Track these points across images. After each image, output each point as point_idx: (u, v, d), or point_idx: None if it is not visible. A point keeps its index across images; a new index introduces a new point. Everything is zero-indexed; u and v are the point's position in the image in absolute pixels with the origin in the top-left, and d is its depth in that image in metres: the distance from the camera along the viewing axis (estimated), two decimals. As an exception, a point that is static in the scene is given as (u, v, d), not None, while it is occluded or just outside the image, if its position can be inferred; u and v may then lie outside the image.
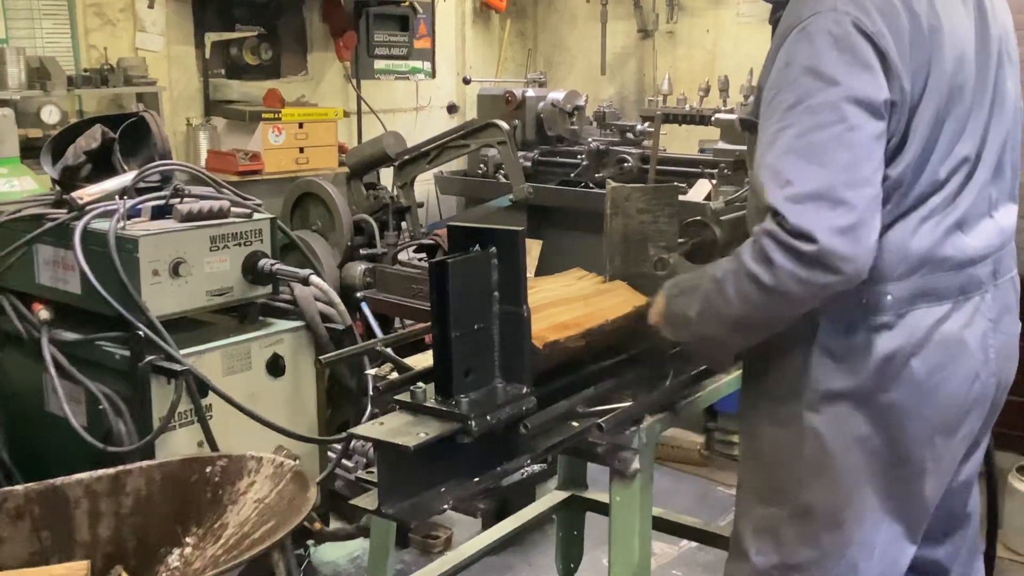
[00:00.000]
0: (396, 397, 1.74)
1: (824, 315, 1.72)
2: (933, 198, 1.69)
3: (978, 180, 1.74)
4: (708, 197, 4.12)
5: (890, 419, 1.71)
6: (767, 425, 1.83)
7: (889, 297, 1.69)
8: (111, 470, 2.11)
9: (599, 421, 1.80)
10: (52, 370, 2.64)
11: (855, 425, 1.72)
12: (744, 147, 4.13)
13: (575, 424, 1.86)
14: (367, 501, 1.74)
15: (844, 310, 1.70)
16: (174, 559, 2.05)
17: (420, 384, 1.71)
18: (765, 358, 1.82)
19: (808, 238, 1.55)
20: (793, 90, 1.61)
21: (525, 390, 1.73)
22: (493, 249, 1.73)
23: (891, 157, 1.64)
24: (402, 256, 3.92)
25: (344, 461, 3.16)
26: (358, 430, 1.73)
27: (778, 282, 1.59)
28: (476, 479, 1.73)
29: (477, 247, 1.73)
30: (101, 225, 2.66)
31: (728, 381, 2.18)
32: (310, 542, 3.16)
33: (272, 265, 2.85)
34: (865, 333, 1.70)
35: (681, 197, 2.27)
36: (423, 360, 2.04)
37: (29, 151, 3.82)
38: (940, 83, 1.66)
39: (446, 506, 1.67)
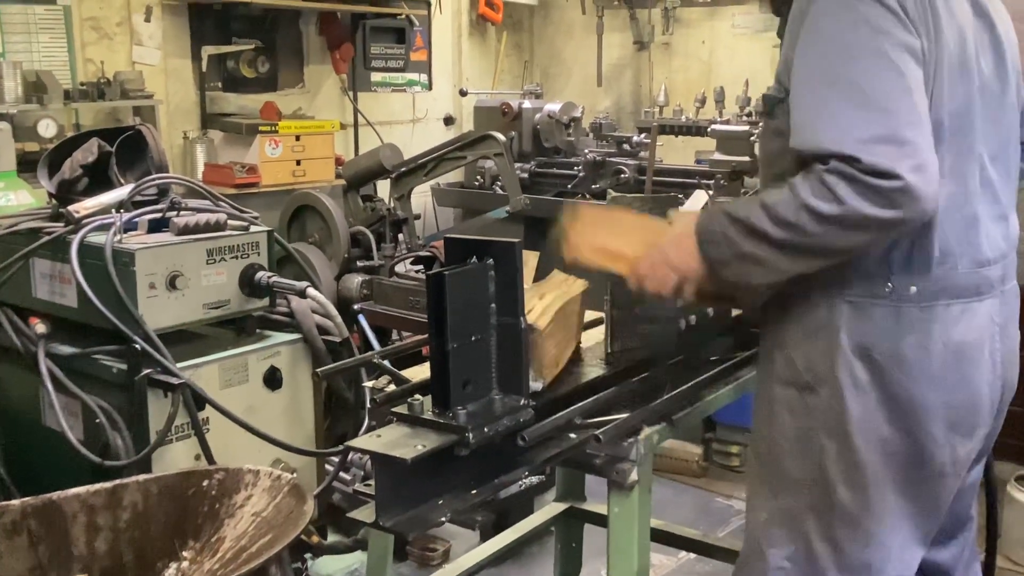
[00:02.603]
0: (393, 409, 1.73)
1: (850, 305, 1.73)
2: (950, 184, 1.69)
3: (988, 176, 1.76)
4: (705, 208, 4.12)
5: (912, 417, 1.72)
6: (786, 413, 1.82)
7: (913, 289, 1.70)
8: (108, 484, 2.10)
9: (597, 433, 1.80)
10: (49, 384, 2.64)
11: (879, 422, 1.72)
12: (740, 158, 4.15)
13: (573, 436, 1.85)
14: (365, 514, 1.73)
15: (870, 300, 1.71)
16: (171, 573, 2.04)
17: (417, 396, 1.71)
18: (785, 346, 1.83)
19: (890, 176, 1.54)
20: (833, 43, 1.64)
21: (523, 402, 1.73)
22: (490, 261, 1.73)
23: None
24: (399, 268, 3.91)
25: (342, 474, 3.16)
26: (355, 443, 1.72)
27: (842, 215, 1.57)
28: (474, 491, 1.72)
29: (474, 259, 1.73)
30: (98, 239, 2.66)
31: (726, 392, 2.18)
32: (308, 555, 3.15)
33: (269, 278, 2.84)
34: (891, 324, 1.71)
35: (679, 208, 2.27)
36: (420, 372, 2.04)
37: (26, 165, 3.82)
38: (947, 55, 1.69)
39: (444, 518, 1.67)
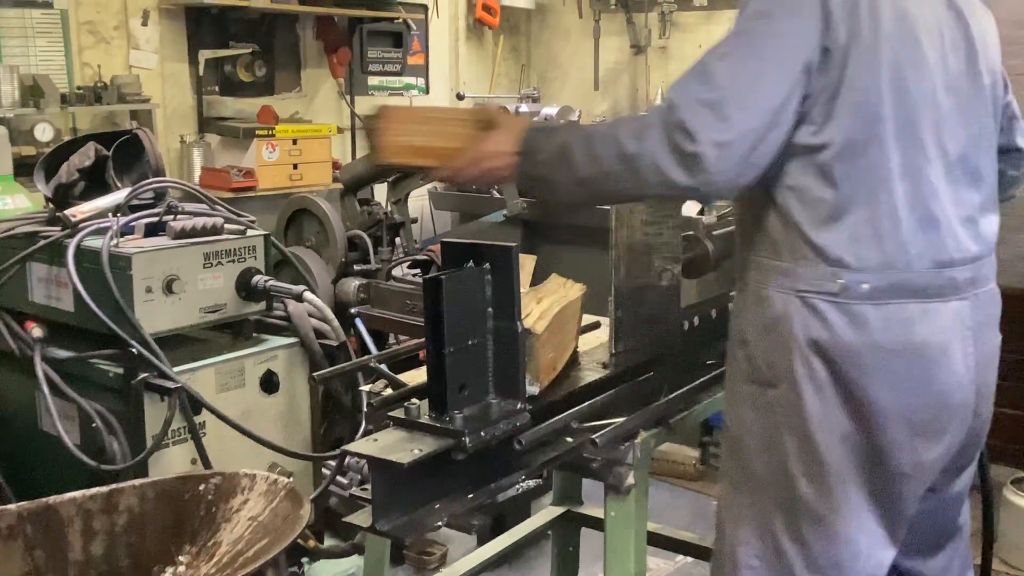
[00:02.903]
0: (390, 413, 1.73)
1: (804, 300, 1.71)
2: (897, 183, 1.69)
3: (954, 176, 1.74)
4: (701, 212, 4.13)
5: (870, 417, 1.70)
6: (750, 410, 1.81)
7: (866, 287, 1.68)
8: (104, 488, 2.10)
9: (593, 436, 1.80)
10: (45, 388, 2.63)
11: (839, 418, 1.71)
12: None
13: (569, 439, 1.85)
14: (361, 518, 1.73)
15: (823, 297, 1.70)
16: (168, 578, 2.04)
17: (414, 400, 1.71)
18: (746, 343, 1.82)
19: (691, 138, 1.61)
20: (735, 24, 1.72)
21: (519, 406, 1.73)
22: (487, 265, 1.73)
23: (825, 115, 1.67)
24: (396, 272, 3.92)
25: (338, 478, 3.15)
26: (352, 447, 1.72)
27: (639, 158, 1.66)
28: (471, 495, 1.72)
29: (471, 263, 1.73)
30: (94, 243, 2.66)
31: (723, 396, 2.18)
32: (304, 559, 3.14)
33: (266, 282, 2.84)
34: (844, 322, 1.69)
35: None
36: (417, 376, 2.04)
37: (22, 169, 3.82)
38: (887, 55, 1.68)
39: (441, 523, 1.67)
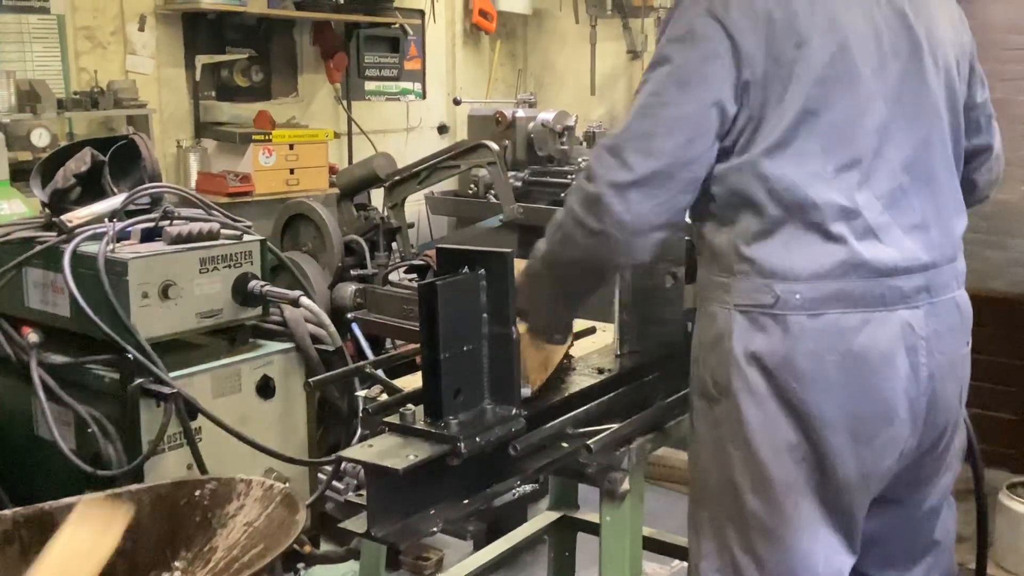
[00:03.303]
0: (386, 419, 1.74)
1: (742, 314, 1.71)
2: (829, 197, 1.67)
3: (887, 185, 1.71)
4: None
5: (812, 427, 1.69)
6: (702, 425, 1.83)
7: (799, 296, 1.68)
8: (100, 494, 2.10)
9: (589, 442, 1.80)
10: (41, 393, 2.63)
11: (783, 430, 1.70)
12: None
13: (565, 445, 1.86)
14: (357, 524, 1.73)
15: (758, 310, 1.70)
16: (163, 584, 2.04)
17: (410, 406, 1.71)
18: (696, 360, 1.83)
19: (591, 179, 1.69)
20: (655, 61, 1.75)
21: (514, 411, 1.74)
22: (483, 271, 1.73)
23: (747, 141, 1.70)
24: (393, 277, 3.92)
25: (334, 483, 3.15)
26: (348, 452, 1.72)
27: (567, 213, 1.74)
28: (466, 500, 1.72)
29: (467, 268, 1.73)
30: (90, 248, 2.66)
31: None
32: (300, 565, 3.14)
33: (262, 287, 2.85)
34: (780, 333, 1.69)
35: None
36: (413, 381, 2.05)
37: (19, 174, 3.82)
38: (806, 72, 1.67)
39: (436, 528, 1.67)
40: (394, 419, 1.71)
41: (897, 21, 1.76)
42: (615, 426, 1.89)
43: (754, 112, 1.68)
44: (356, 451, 1.68)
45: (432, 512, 1.68)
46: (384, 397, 2.05)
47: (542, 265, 1.85)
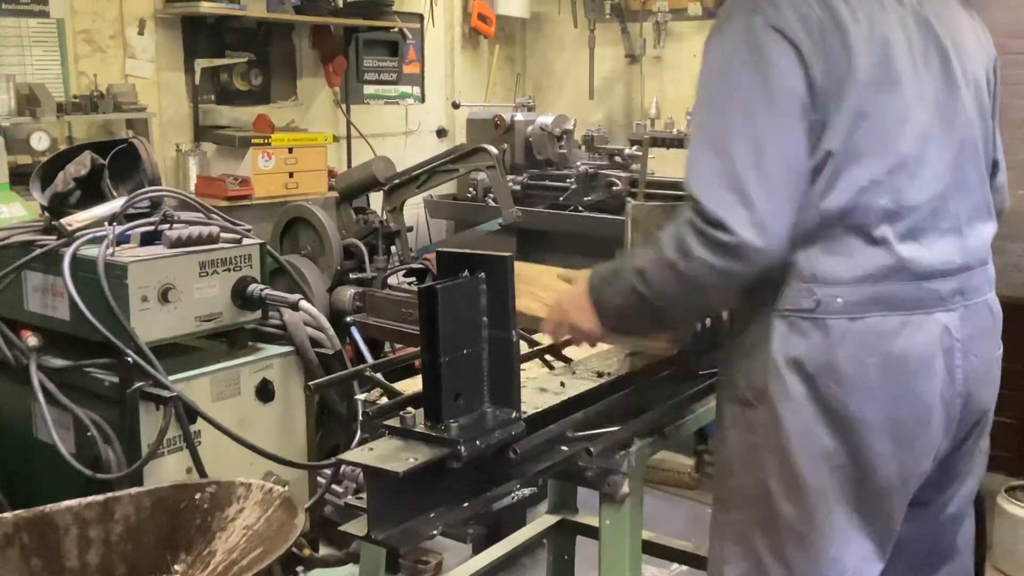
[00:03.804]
0: (385, 422, 1.74)
1: (782, 319, 1.72)
2: (873, 200, 1.68)
3: (929, 189, 1.73)
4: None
5: (853, 431, 1.69)
6: (732, 428, 1.82)
7: (840, 300, 1.68)
8: (100, 497, 2.10)
9: (588, 446, 1.80)
10: (40, 397, 2.63)
11: (820, 436, 1.70)
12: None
13: (564, 448, 1.86)
14: (357, 527, 1.73)
15: (799, 314, 1.70)
16: (163, 586, 2.04)
17: (410, 409, 1.71)
18: (730, 364, 1.83)
19: (725, 228, 1.62)
20: (712, 86, 1.72)
21: (514, 415, 1.74)
22: (482, 274, 1.73)
23: (813, 147, 1.68)
24: (392, 280, 3.92)
25: (334, 486, 3.15)
26: (347, 455, 1.73)
27: (694, 271, 1.66)
28: (466, 504, 1.72)
29: (466, 272, 1.73)
30: (90, 252, 2.66)
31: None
32: (299, 568, 3.14)
33: (262, 290, 2.85)
34: (821, 337, 1.69)
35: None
36: (413, 385, 2.05)
37: (18, 178, 3.82)
38: (856, 75, 1.68)
39: (436, 531, 1.67)
40: (394, 422, 1.71)
41: (925, 30, 1.78)
42: (614, 429, 1.89)
43: (819, 116, 1.68)
44: (356, 454, 1.68)
45: (432, 515, 1.68)
46: (384, 401, 2.05)
47: (647, 296, 1.77)
